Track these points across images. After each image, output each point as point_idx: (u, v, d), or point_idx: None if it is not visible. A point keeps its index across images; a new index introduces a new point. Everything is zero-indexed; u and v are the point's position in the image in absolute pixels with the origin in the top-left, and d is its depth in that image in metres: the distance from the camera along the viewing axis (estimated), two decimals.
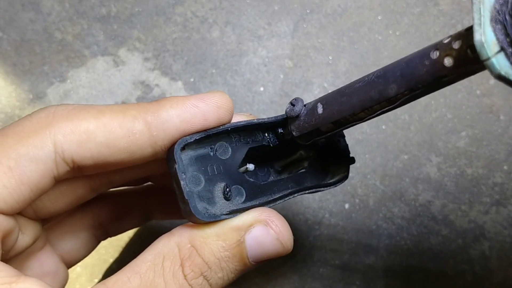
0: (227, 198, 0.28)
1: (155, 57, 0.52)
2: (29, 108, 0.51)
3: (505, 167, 0.49)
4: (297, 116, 0.30)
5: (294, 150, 0.34)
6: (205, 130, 0.28)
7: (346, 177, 0.34)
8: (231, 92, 0.51)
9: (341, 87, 0.28)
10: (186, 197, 0.26)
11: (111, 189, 0.36)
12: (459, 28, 0.52)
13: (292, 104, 0.30)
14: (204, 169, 0.28)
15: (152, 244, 0.27)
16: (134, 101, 0.51)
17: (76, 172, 0.28)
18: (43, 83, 0.51)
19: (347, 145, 0.35)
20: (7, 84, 0.51)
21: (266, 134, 0.32)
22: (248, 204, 0.29)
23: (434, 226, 0.48)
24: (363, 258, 0.48)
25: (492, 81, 0.51)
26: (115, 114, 0.27)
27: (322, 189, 0.34)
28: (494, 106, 0.50)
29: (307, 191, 0.33)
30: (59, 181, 0.28)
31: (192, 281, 0.26)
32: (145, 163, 0.29)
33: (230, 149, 0.30)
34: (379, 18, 0.52)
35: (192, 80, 0.51)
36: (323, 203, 0.49)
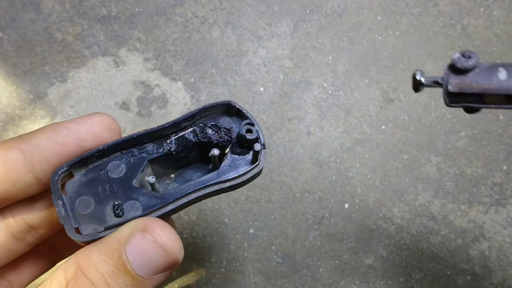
0: (118, 215, 0.28)
1: (156, 57, 0.52)
2: (30, 108, 0.51)
3: (505, 167, 0.49)
4: (466, 71, 0.26)
5: (203, 151, 0.31)
6: (81, 154, 0.28)
7: (257, 173, 0.30)
8: (231, 92, 0.51)
9: None
10: (61, 222, 0.27)
11: None
12: (459, 28, 0.52)
13: (465, 56, 0.26)
14: (94, 192, 0.29)
15: None
16: (135, 101, 0.51)
17: None
18: (44, 83, 0.52)
19: (257, 134, 0.30)
20: (8, 84, 0.51)
21: (167, 142, 0.30)
22: (138, 216, 0.29)
23: (434, 226, 0.49)
24: (363, 258, 0.48)
25: None
26: None
27: (227, 186, 0.29)
28: None
29: (211, 192, 0.29)
30: None
31: None
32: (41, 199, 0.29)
33: (124, 166, 0.30)
34: (379, 18, 0.52)
35: (192, 80, 0.52)
36: (323, 203, 0.49)
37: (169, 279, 0.48)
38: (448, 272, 0.48)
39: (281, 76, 0.51)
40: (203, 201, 0.31)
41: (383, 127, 0.50)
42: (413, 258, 0.48)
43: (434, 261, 0.48)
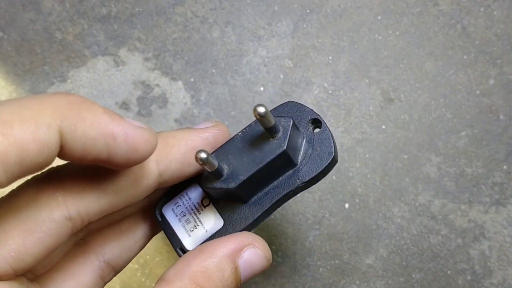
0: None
1: (156, 57, 0.52)
2: None
3: (505, 167, 0.49)
4: None
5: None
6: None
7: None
8: (231, 92, 0.51)
9: None
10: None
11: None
12: (459, 28, 0.52)
13: None
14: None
15: None
16: (135, 101, 0.51)
17: None
18: (44, 83, 0.52)
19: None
20: (8, 84, 0.51)
21: None
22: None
23: (434, 226, 0.49)
24: (363, 257, 0.48)
25: (492, 81, 0.51)
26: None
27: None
28: (494, 106, 0.50)
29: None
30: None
31: None
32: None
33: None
34: (379, 18, 0.52)
35: (192, 80, 0.52)
36: (323, 202, 0.49)
37: None
38: (449, 272, 0.48)
39: (281, 76, 0.51)
40: None
41: (384, 126, 0.50)
42: (413, 258, 0.48)
43: (434, 261, 0.48)
